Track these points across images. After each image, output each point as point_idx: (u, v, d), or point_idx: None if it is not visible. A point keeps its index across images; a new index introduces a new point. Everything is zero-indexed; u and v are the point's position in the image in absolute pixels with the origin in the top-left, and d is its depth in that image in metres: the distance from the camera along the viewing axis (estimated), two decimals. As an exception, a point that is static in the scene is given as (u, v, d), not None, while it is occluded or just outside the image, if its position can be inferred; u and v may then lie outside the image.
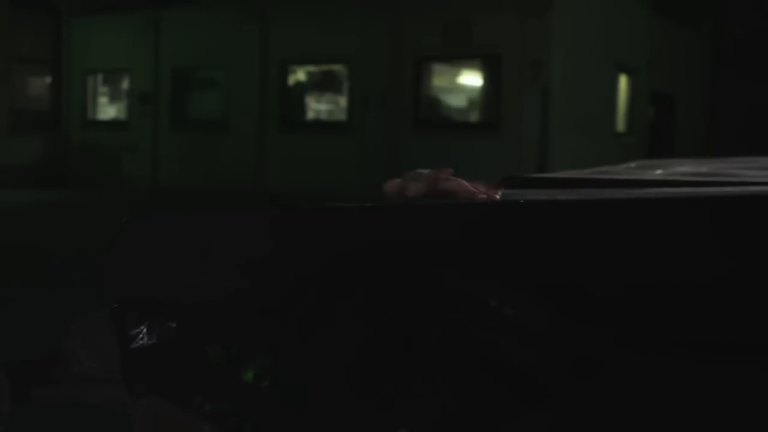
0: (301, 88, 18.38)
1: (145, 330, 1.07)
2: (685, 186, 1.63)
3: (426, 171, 1.36)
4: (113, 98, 21.41)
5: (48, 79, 21.32)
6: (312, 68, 18.24)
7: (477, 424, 0.69)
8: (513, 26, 15.23)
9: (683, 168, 2.43)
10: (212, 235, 1.03)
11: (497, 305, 0.69)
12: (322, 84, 18.16)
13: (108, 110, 21.52)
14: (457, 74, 17.13)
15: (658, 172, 2.35)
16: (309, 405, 0.76)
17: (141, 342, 1.07)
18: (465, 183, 1.29)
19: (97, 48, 20.52)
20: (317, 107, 18.38)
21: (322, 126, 17.98)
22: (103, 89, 21.49)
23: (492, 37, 15.49)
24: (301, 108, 18.24)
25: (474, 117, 16.69)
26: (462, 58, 16.58)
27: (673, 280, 0.83)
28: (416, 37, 16.22)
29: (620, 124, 18.52)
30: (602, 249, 0.86)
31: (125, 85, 20.70)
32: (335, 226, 0.84)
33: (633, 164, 2.81)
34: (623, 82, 18.47)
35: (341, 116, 17.65)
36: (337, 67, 17.73)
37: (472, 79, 16.85)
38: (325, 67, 18.02)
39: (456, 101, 17.12)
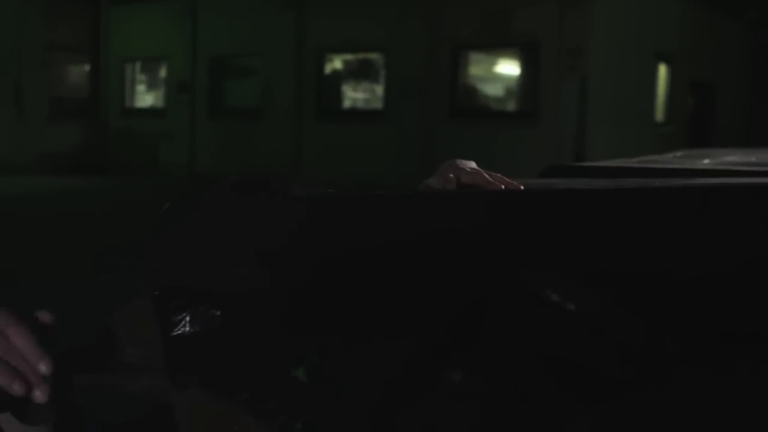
0: (338, 77, 18.37)
1: (188, 318, 1.05)
2: (740, 176, 1.59)
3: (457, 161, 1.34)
4: (151, 86, 21.53)
5: (86, 67, 21.47)
6: (349, 56, 18.22)
7: (538, 423, 0.66)
8: (551, 15, 15.11)
9: (732, 158, 2.38)
10: (259, 222, 1.00)
11: (560, 298, 0.67)
12: (359, 72, 18.13)
13: (145, 98, 21.65)
14: (494, 63, 17.03)
15: (707, 161, 2.30)
16: (361, 404, 0.73)
17: (184, 331, 1.05)
18: (485, 175, 1.26)
19: (135, 36, 20.63)
20: (353, 95, 18.36)
21: (358, 114, 17.97)
22: (140, 77, 21.62)
23: (530, 25, 15.38)
24: (338, 96, 18.24)
25: (511, 106, 16.60)
26: (499, 46, 16.48)
27: (741, 270, 0.80)
28: (453, 25, 16.15)
29: (659, 113, 18.34)
30: (664, 239, 0.83)
31: (163, 73, 20.80)
32: (387, 213, 0.82)
33: (679, 153, 2.75)
34: (662, 71, 18.27)
35: (377, 105, 17.62)
36: (374, 56, 17.70)
37: (509, 67, 16.75)
38: (361, 56, 17.99)
39: (493, 90, 17.03)
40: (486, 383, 0.68)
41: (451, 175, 1.21)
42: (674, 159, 2.44)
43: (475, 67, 17.07)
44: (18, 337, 1.04)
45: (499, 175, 1.27)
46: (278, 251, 0.89)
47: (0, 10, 19.08)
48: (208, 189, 1.50)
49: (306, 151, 17.87)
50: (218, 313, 1.01)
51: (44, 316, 1.07)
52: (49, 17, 19.85)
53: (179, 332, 1.03)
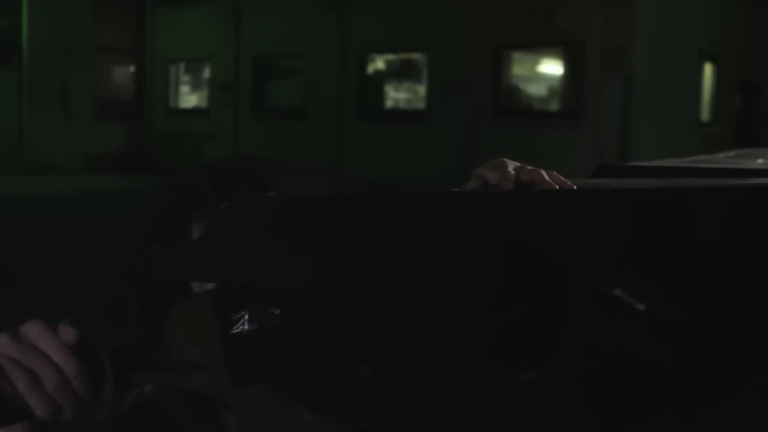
0: (380, 77, 18.38)
1: (247, 317, 1.05)
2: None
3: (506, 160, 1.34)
4: (194, 87, 21.70)
5: (131, 68, 21.69)
6: (391, 56, 18.23)
7: (605, 423, 0.65)
8: (595, 13, 15.00)
9: (786, 157, 2.35)
10: (317, 221, 1.00)
11: (628, 297, 0.66)
12: (402, 72, 18.13)
13: (189, 99, 21.82)
14: (537, 62, 16.95)
15: (760, 161, 2.27)
16: (427, 403, 0.73)
17: (243, 329, 1.05)
18: (543, 173, 1.26)
19: (179, 37, 20.80)
20: (396, 96, 18.37)
21: (400, 115, 17.97)
22: (184, 78, 21.79)
23: (574, 24, 15.28)
24: (380, 96, 18.25)
25: (554, 106, 16.51)
26: (543, 45, 16.40)
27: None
28: (496, 24, 16.09)
29: (704, 113, 18.14)
30: (729, 239, 0.82)
31: (206, 73, 20.96)
32: (452, 211, 0.81)
33: (731, 153, 2.72)
34: (708, 70, 18.07)
35: (420, 105, 17.61)
36: (417, 56, 17.69)
37: (552, 67, 16.66)
38: (404, 56, 17.99)
39: (536, 90, 16.95)
40: (552, 383, 0.67)
41: (512, 171, 1.20)
42: (727, 159, 2.41)
43: (518, 67, 17.00)
44: (53, 351, 1.03)
45: (554, 173, 1.27)
46: (338, 249, 0.89)
47: (47, 12, 19.33)
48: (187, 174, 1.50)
49: (348, 152, 17.90)
50: (277, 311, 1.01)
51: (69, 329, 1.06)
52: (95, 19, 20.07)
53: (238, 330, 1.04)
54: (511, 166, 1.26)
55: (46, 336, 1.04)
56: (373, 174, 16.29)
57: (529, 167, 1.20)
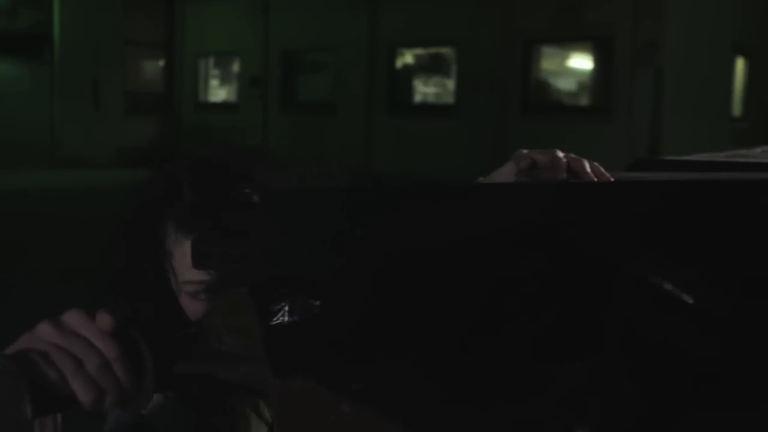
0: (409, 71, 18.36)
1: (287, 308, 1.05)
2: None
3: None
4: (224, 81, 21.78)
5: (161, 62, 21.80)
6: (420, 51, 18.21)
7: (657, 417, 0.65)
8: (626, 7, 14.91)
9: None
10: (360, 212, 1.00)
11: (679, 290, 0.65)
12: (430, 67, 18.11)
13: (218, 93, 21.90)
14: (567, 57, 16.87)
15: (797, 155, 2.24)
16: (479, 397, 0.73)
17: (283, 321, 1.05)
18: (585, 164, 1.25)
19: (209, 31, 20.88)
20: (425, 90, 18.34)
21: (429, 109, 17.94)
22: (213, 72, 21.88)
23: (604, 18, 15.19)
24: (409, 91, 18.23)
25: (584, 100, 16.43)
26: (572, 40, 16.32)
27: None
28: (526, 19, 16.03)
29: (736, 108, 17.98)
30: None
31: (235, 67, 21.03)
32: (492, 203, 0.81)
33: (768, 148, 2.69)
34: (740, 64, 17.91)
35: (449, 99, 17.57)
36: (446, 50, 17.66)
37: (582, 61, 16.58)
38: (433, 50, 17.96)
39: (565, 84, 16.87)
40: (600, 378, 0.67)
41: (563, 159, 1.20)
42: (764, 153, 2.39)
43: (548, 62, 16.92)
44: (94, 337, 1.06)
45: (596, 164, 1.26)
46: (380, 240, 0.89)
47: (78, 6, 19.46)
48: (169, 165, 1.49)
49: (377, 146, 17.90)
50: (317, 302, 1.01)
51: (107, 316, 1.09)
52: (125, 13, 20.20)
53: (278, 322, 1.04)
54: (561, 153, 1.26)
55: (87, 323, 1.08)
56: (401, 169, 16.29)
57: (574, 156, 1.20)
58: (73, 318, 1.09)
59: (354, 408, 1.02)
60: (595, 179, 1.24)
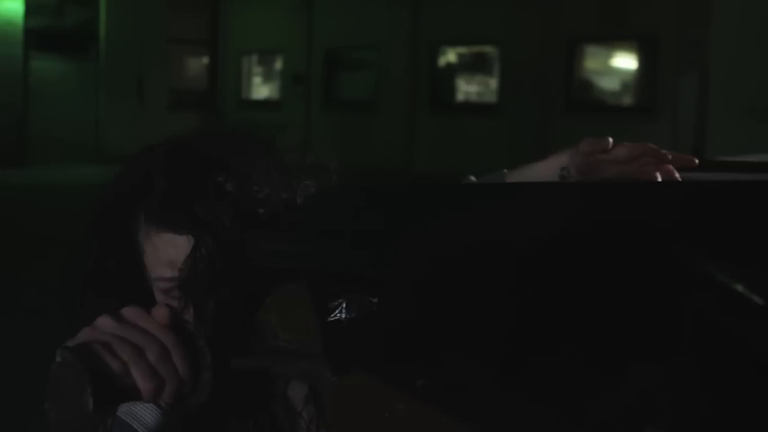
0: (452, 69, 18.34)
1: (344, 305, 1.05)
2: None
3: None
4: (266, 78, 21.89)
5: (205, 60, 21.95)
6: (462, 49, 18.17)
7: (733, 423, 0.64)
8: (671, 6, 14.76)
9: None
10: (416, 207, 1.00)
11: (751, 291, 0.65)
12: (473, 65, 18.06)
13: (261, 90, 22.00)
14: (610, 56, 16.75)
15: None
16: (548, 396, 0.72)
17: (340, 317, 1.05)
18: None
19: (252, 29, 20.99)
20: (467, 89, 18.30)
21: (471, 108, 17.90)
22: (257, 69, 21.99)
23: (649, 17, 15.06)
24: (452, 89, 18.21)
25: (627, 100, 16.31)
26: (617, 39, 16.20)
27: None
28: (569, 17, 15.93)
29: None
30: None
31: (278, 65, 21.12)
32: (568, 202, 0.80)
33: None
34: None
35: (491, 98, 17.52)
36: (488, 49, 17.61)
37: (626, 60, 16.45)
38: (475, 48, 17.92)
39: (609, 83, 16.75)
40: (676, 378, 0.66)
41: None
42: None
43: (591, 61, 16.81)
44: (152, 328, 1.08)
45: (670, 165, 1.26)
46: (442, 235, 0.89)
47: (124, 4, 19.66)
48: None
49: (419, 144, 17.89)
50: (374, 299, 1.01)
51: (164, 310, 1.11)
52: (170, 10, 20.36)
53: (335, 318, 1.04)
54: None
55: (144, 316, 1.11)
56: (443, 167, 16.26)
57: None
58: (131, 312, 1.12)
59: (408, 407, 1.02)
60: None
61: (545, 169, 1.46)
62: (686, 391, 0.65)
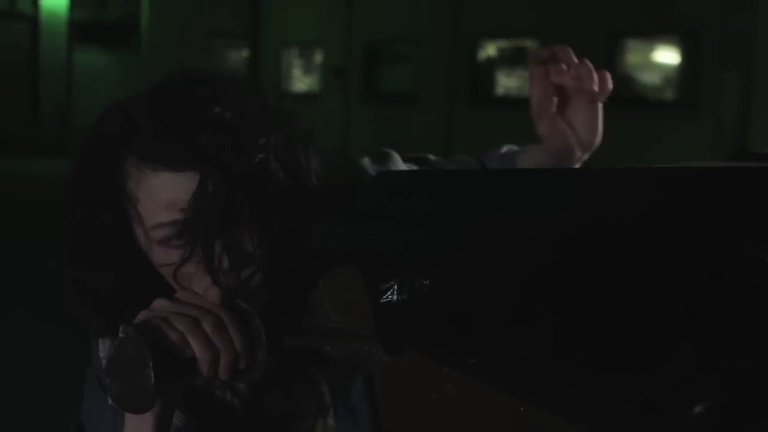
0: (492, 63, 18.26)
1: (396, 286, 1.07)
2: None
3: None
4: (306, 71, 21.92)
5: (245, 53, 22.04)
6: (503, 43, 18.09)
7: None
8: (714, 0, 14.60)
9: None
10: (467, 191, 1.02)
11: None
12: (513, 59, 17.98)
13: (301, 83, 22.05)
14: (651, 50, 16.59)
15: None
16: (592, 376, 0.74)
17: (392, 299, 1.07)
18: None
19: (292, 21, 21.02)
20: (507, 83, 18.22)
21: (511, 102, 17.81)
22: (296, 62, 22.03)
23: (692, 11, 14.90)
24: (491, 83, 18.14)
25: (669, 95, 16.14)
26: (658, 32, 16.04)
27: None
28: (610, 11, 15.80)
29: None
30: None
31: (318, 58, 21.14)
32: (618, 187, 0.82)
33: None
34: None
35: (531, 92, 17.41)
36: (528, 42, 17.51)
37: (667, 55, 16.28)
38: (516, 42, 17.83)
39: (650, 78, 16.59)
40: (723, 356, 0.68)
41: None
42: None
43: (632, 55, 16.66)
44: (208, 305, 1.11)
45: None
46: (500, 219, 0.91)
47: (166, -3, 19.81)
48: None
49: (458, 137, 17.85)
50: (426, 281, 1.03)
51: (214, 289, 1.13)
52: (211, 3, 20.48)
53: (387, 299, 1.06)
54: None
55: (197, 296, 1.13)
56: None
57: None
58: (183, 294, 1.15)
59: (459, 386, 1.04)
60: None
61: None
62: (734, 369, 0.67)
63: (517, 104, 17.53)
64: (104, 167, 1.18)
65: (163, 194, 1.14)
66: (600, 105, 1.65)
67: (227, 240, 1.14)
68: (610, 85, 1.61)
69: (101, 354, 1.31)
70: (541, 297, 0.81)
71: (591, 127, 1.66)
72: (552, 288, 0.79)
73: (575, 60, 1.61)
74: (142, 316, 1.10)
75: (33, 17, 19.15)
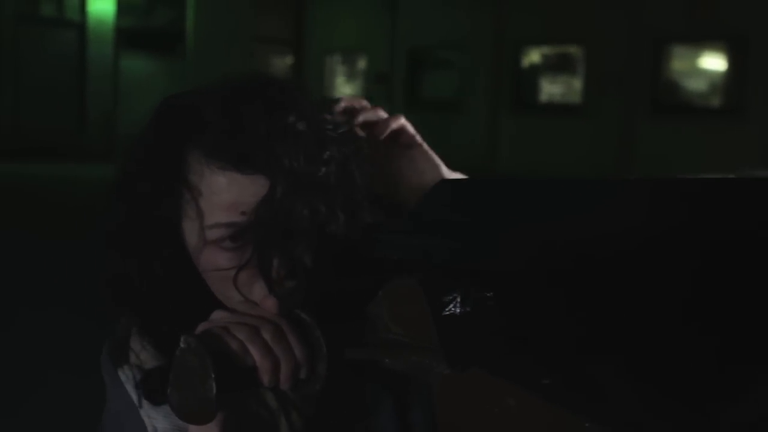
0: (535, 70, 18.19)
1: (459, 299, 1.06)
2: None
3: None
4: (350, 77, 21.98)
5: (289, 59, 22.15)
6: (546, 49, 18.01)
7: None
8: (762, 4, 14.42)
9: None
10: (533, 202, 1.00)
11: None
12: (557, 65, 17.90)
13: (344, 89, 22.10)
14: (698, 56, 16.43)
15: None
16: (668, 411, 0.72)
17: (455, 311, 1.06)
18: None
19: (336, 28, 21.10)
20: (551, 89, 18.13)
21: (555, 108, 17.73)
22: (340, 68, 22.10)
23: (739, 17, 14.73)
24: (535, 90, 18.06)
25: (715, 102, 15.97)
26: (705, 39, 15.88)
27: None
28: (656, 16, 15.67)
29: None
30: None
31: (361, 64, 21.19)
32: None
33: None
34: None
35: (575, 99, 17.33)
36: (573, 49, 17.43)
37: (715, 62, 16.12)
38: (559, 49, 17.75)
39: (696, 85, 16.43)
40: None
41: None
42: None
43: (679, 62, 16.52)
44: (267, 315, 1.10)
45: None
46: (565, 232, 0.89)
47: (211, 3, 19.95)
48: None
49: (502, 145, 17.79)
50: (490, 293, 1.02)
51: (272, 300, 1.12)
52: (256, 10, 20.60)
53: (450, 312, 1.05)
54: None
55: (256, 307, 1.12)
56: (526, 168, 16.13)
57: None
58: (242, 305, 1.15)
59: (520, 402, 1.02)
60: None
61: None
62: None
63: (561, 110, 17.45)
64: (167, 157, 1.16)
65: (226, 194, 1.11)
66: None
67: (284, 250, 1.13)
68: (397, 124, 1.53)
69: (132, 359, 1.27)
70: (622, 314, 0.79)
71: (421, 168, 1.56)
72: (634, 305, 0.77)
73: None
74: (201, 327, 1.10)
75: (80, 24, 19.37)
